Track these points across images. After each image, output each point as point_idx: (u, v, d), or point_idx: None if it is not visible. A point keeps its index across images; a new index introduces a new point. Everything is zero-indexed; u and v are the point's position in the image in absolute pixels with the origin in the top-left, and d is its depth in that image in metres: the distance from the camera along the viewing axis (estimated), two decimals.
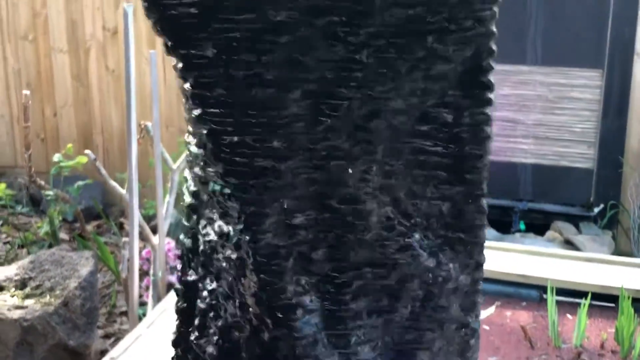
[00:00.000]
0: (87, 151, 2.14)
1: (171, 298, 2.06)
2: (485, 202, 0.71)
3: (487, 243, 2.77)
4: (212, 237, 0.77)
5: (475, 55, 0.67)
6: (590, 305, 2.11)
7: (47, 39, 3.85)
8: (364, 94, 0.68)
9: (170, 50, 0.70)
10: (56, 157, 2.80)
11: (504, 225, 3.51)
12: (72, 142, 3.91)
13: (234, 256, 0.75)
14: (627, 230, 3.43)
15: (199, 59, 0.70)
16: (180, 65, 0.71)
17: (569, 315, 2.13)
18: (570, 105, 3.44)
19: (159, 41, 3.56)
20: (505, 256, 2.35)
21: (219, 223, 0.76)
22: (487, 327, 2.07)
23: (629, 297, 1.99)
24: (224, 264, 0.76)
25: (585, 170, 3.50)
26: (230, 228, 0.75)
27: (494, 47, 0.69)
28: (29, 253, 3.19)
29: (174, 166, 2.38)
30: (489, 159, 0.72)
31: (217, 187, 0.75)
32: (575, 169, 3.51)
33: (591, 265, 2.30)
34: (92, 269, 2.48)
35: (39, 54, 3.89)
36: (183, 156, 2.24)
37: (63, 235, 3.46)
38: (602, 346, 1.97)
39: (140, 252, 2.40)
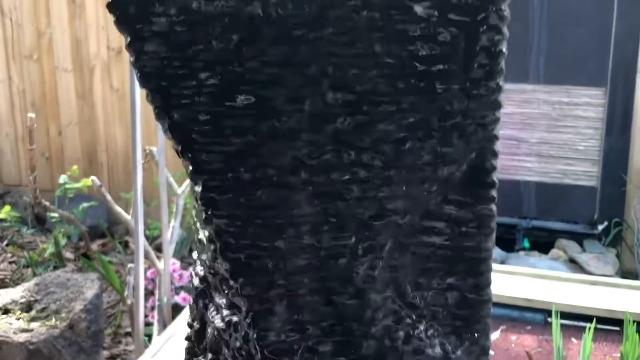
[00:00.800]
0: (92, 177, 2.15)
1: (177, 323, 2.07)
2: (491, 291, 0.72)
3: (493, 266, 2.75)
4: (220, 324, 0.77)
5: (479, 156, 0.68)
6: (596, 329, 2.11)
7: (52, 59, 3.87)
8: (370, 196, 0.70)
9: (179, 154, 0.72)
10: (61, 178, 2.81)
11: (508, 243, 3.51)
12: (76, 160, 3.93)
13: (242, 347, 0.76)
14: (631, 248, 3.43)
15: (207, 164, 0.71)
16: (190, 168, 0.72)
17: (574, 340, 2.13)
18: (573, 123, 3.45)
19: None
20: (510, 279, 2.35)
21: (226, 312, 0.77)
22: (492, 352, 2.07)
23: (633, 322, 1.99)
24: (233, 353, 0.76)
25: (589, 188, 3.50)
26: (238, 319, 0.76)
27: (498, 149, 0.71)
28: (34, 273, 3.20)
29: (179, 190, 2.39)
30: (493, 250, 0.73)
31: (225, 281, 0.76)
32: (579, 187, 3.51)
33: (596, 289, 2.30)
34: (97, 291, 2.48)
35: (44, 74, 3.91)
36: (187, 181, 2.25)
37: (68, 254, 3.47)
38: None
39: (145, 272, 2.41)
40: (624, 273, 3.49)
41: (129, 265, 2.31)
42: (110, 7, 0.70)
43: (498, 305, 2.27)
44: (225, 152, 0.70)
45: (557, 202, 3.56)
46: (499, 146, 0.69)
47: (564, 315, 2.18)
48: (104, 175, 3.92)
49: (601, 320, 2.15)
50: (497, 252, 3.39)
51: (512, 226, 3.54)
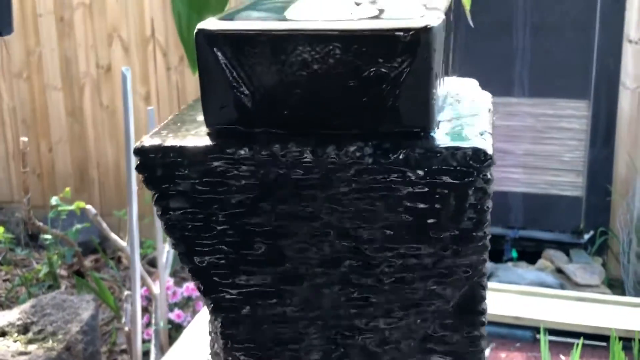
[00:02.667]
0: (88, 206, 2.18)
1: (173, 351, 2.10)
2: None
3: None
4: None
5: (470, 291, 0.77)
6: (583, 346, 2.17)
7: (42, 77, 3.89)
8: (374, 326, 0.79)
9: (202, 293, 0.79)
10: (54, 200, 2.84)
11: (496, 254, 3.57)
12: (67, 176, 3.95)
13: None
14: (617, 256, 3.50)
15: (226, 302, 0.79)
16: (210, 305, 0.79)
17: (562, 357, 2.18)
18: (558, 135, 3.52)
19: (153, 82, 3.58)
20: (498, 297, 2.41)
21: None
22: None
23: (619, 340, 2.05)
24: None
25: (575, 198, 3.57)
26: None
27: (485, 288, 0.80)
28: (29, 292, 3.22)
29: None
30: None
31: None
32: (564, 197, 3.58)
33: (583, 305, 2.36)
34: (93, 312, 2.52)
35: (34, 92, 3.93)
36: None
37: (62, 271, 3.49)
38: None
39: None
40: (610, 281, 3.57)
41: (126, 292, 2.34)
42: (139, 168, 0.77)
43: (488, 323, 2.33)
44: (244, 293, 0.77)
45: (543, 212, 3.63)
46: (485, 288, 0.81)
47: (552, 332, 2.24)
48: (95, 192, 3.95)
49: (588, 336, 2.22)
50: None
51: (500, 237, 3.60)
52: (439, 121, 0.76)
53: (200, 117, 0.80)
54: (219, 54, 0.73)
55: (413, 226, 0.72)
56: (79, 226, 3.04)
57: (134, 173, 2.01)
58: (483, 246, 0.75)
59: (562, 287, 3.27)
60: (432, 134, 0.73)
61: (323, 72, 0.71)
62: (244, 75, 0.73)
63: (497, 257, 3.55)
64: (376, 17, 0.73)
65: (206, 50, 0.74)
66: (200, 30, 0.74)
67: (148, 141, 0.76)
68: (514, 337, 2.29)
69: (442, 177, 0.70)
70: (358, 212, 0.72)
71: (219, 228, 0.76)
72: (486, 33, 3.45)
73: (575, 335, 2.15)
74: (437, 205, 0.71)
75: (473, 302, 0.79)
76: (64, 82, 3.87)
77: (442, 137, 0.73)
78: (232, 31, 0.74)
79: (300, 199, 0.73)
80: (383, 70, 0.69)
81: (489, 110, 0.83)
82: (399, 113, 0.71)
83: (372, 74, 0.69)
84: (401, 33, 0.68)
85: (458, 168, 0.70)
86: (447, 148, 0.71)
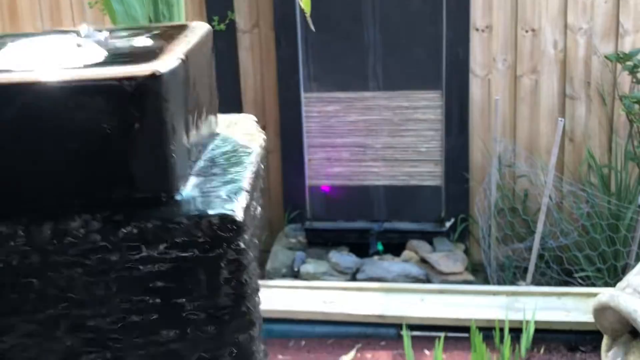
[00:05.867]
0: None
1: None
2: None
3: (344, 284, 2.77)
4: None
5: None
6: (447, 338, 2.17)
7: None
8: None
9: None
10: None
11: (362, 247, 3.56)
12: None
13: None
14: (479, 241, 3.57)
15: None
16: None
17: (426, 351, 2.17)
18: (415, 126, 3.53)
19: None
20: (361, 296, 2.37)
21: None
22: None
23: (480, 331, 2.06)
24: None
25: (434, 187, 3.61)
26: None
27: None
28: None
29: None
30: None
31: None
32: (425, 187, 3.61)
33: (444, 297, 2.36)
34: None
35: None
36: None
37: None
38: None
39: None
40: (474, 267, 3.64)
41: None
42: None
43: (352, 324, 2.29)
44: None
45: (405, 203, 3.64)
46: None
47: (417, 327, 2.22)
48: None
49: (451, 329, 2.21)
50: (352, 259, 3.42)
51: (365, 231, 3.59)
52: (189, 180, 0.65)
53: None
54: None
55: (161, 309, 0.62)
56: None
57: None
58: (249, 322, 0.65)
59: (427, 276, 3.29)
60: (176, 198, 0.62)
61: (32, 133, 0.58)
62: None
63: (364, 251, 3.54)
64: (99, 63, 0.62)
65: None
66: None
67: None
68: (379, 336, 2.26)
69: (187, 251, 0.60)
70: (93, 298, 0.61)
71: None
72: (338, 30, 3.41)
73: (439, 329, 2.15)
74: (185, 283, 0.61)
75: None
76: None
77: (187, 202, 0.62)
78: None
79: (20, 289, 0.61)
80: (107, 126, 0.58)
81: (257, 155, 0.73)
82: (133, 176, 0.60)
83: (94, 131, 0.58)
84: (125, 82, 0.57)
85: (204, 239, 0.60)
86: (189, 217, 0.60)
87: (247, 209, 0.62)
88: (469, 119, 3.52)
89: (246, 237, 0.62)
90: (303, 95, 3.54)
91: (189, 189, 0.65)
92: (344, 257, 3.44)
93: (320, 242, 3.63)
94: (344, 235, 3.63)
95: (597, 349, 1.94)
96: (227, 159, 0.72)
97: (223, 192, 0.64)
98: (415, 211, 3.62)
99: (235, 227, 0.61)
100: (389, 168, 3.59)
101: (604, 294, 1.82)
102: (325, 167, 3.62)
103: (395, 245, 3.57)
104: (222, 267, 0.62)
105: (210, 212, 0.61)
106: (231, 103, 3.59)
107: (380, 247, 3.59)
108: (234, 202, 0.62)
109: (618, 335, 1.88)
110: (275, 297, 2.38)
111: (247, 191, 0.64)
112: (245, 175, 0.68)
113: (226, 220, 0.61)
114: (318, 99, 3.54)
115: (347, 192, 3.62)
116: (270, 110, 3.73)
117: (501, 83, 3.52)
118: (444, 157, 3.55)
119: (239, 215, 0.61)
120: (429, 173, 3.60)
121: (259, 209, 0.70)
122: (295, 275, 3.40)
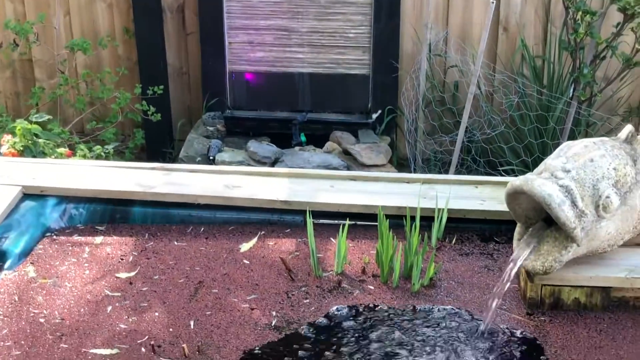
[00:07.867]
0: None
1: None
2: None
3: (249, 169, 2.58)
4: None
5: None
6: (355, 226, 2.04)
7: None
8: None
9: None
10: None
11: (285, 138, 3.40)
12: None
13: None
14: (405, 134, 3.44)
15: None
16: None
17: (332, 240, 2.05)
18: (343, 9, 3.32)
19: None
20: (268, 182, 2.21)
21: None
22: (247, 262, 1.95)
23: (387, 219, 1.93)
24: None
25: (362, 76, 3.43)
26: None
27: None
28: None
29: None
30: None
31: None
32: (351, 76, 3.44)
33: (356, 184, 2.22)
34: None
35: None
36: None
37: None
38: (363, 271, 1.92)
39: None
40: (400, 160, 3.52)
41: None
42: None
43: (256, 210, 2.15)
44: None
45: (331, 93, 3.47)
46: None
47: (324, 214, 2.09)
48: None
49: (361, 216, 2.09)
50: (271, 149, 3.26)
51: (288, 121, 3.42)
52: None
53: None
54: None
55: None
56: None
57: None
58: None
59: (348, 168, 3.16)
60: None
61: None
62: None
63: (286, 142, 3.38)
64: None
65: None
66: None
67: None
68: (284, 223, 2.12)
69: None
70: None
71: None
72: None
73: (349, 216, 2.02)
74: None
75: None
76: None
77: None
78: None
79: None
80: None
81: None
82: None
83: None
84: None
85: None
86: None
87: None
88: (400, 2, 3.31)
89: None
90: None
91: None
92: (262, 147, 3.27)
93: (240, 131, 3.45)
94: (266, 125, 3.46)
95: (511, 240, 1.85)
96: None
97: None
98: (341, 102, 3.46)
99: None
100: (315, 54, 3.39)
101: (518, 178, 1.70)
102: (247, 51, 3.39)
103: (319, 137, 3.43)
104: None
105: None
106: None
107: (303, 138, 3.44)
108: None
109: (531, 223, 1.78)
110: (174, 180, 2.21)
111: None
112: None
113: None
114: None
115: (270, 79, 3.41)
116: None
117: None
118: (372, 44, 3.36)
119: None
120: (356, 61, 3.41)
121: None
122: (211, 164, 3.22)
